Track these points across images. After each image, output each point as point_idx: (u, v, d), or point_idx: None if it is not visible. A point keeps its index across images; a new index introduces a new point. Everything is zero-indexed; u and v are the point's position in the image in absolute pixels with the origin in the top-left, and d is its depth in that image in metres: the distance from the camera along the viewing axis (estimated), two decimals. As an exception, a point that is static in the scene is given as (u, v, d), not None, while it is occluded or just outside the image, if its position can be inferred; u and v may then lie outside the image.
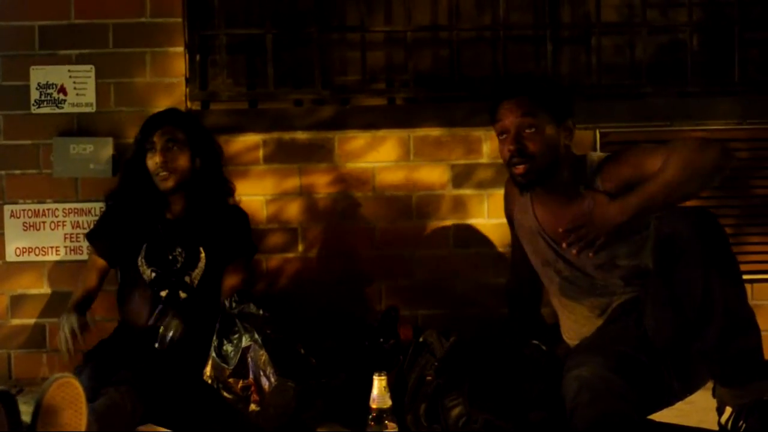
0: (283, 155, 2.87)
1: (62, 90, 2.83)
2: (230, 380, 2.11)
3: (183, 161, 2.40)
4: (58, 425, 1.69)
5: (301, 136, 2.88)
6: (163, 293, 2.37)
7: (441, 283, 2.89)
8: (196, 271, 2.40)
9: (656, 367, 1.89)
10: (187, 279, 2.39)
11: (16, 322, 2.85)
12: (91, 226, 2.57)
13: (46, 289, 2.84)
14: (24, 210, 2.83)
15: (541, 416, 1.98)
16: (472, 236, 2.88)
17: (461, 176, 2.88)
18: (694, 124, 2.88)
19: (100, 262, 2.46)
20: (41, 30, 2.83)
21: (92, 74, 2.83)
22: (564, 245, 1.97)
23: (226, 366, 2.11)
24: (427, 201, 2.89)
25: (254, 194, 2.86)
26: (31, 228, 2.83)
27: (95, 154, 2.80)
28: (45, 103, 2.83)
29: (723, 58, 2.98)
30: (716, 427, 1.90)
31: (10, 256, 2.83)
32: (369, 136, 2.88)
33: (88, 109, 2.83)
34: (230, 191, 2.57)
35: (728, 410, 1.86)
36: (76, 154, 2.80)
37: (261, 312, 2.21)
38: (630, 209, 1.88)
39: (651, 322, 1.90)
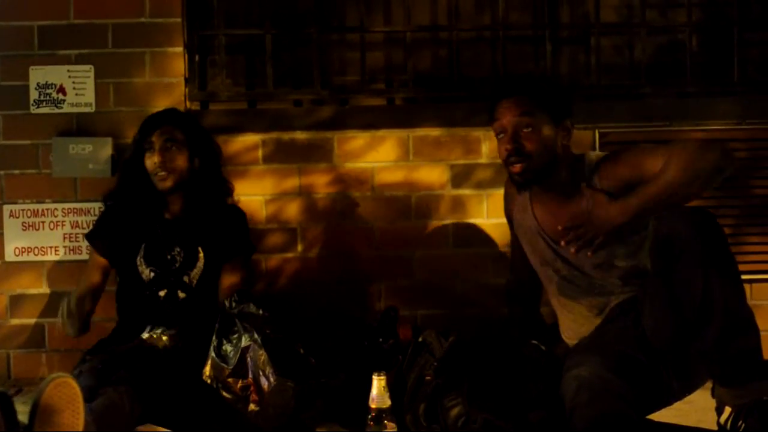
0: (282, 155, 2.87)
1: (61, 90, 2.83)
2: (229, 380, 2.10)
3: (181, 161, 2.40)
4: (55, 425, 1.69)
5: (300, 136, 2.88)
6: (162, 293, 2.37)
7: (440, 283, 2.89)
8: (195, 270, 2.40)
9: (655, 366, 1.89)
10: (185, 279, 2.39)
11: (15, 322, 2.85)
12: (91, 226, 2.57)
13: (45, 289, 2.84)
14: (23, 210, 2.83)
15: (540, 416, 1.98)
16: (471, 236, 2.88)
17: (460, 176, 2.88)
18: (694, 125, 2.88)
19: (102, 261, 2.46)
20: (40, 30, 2.83)
21: (91, 74, 2.83)
22: (563, 243, 1.98)
23: (226, 366, 2.11)
24: (426, 201, 2.89)
25: (253, 194, 2.86)
26: (31, 228, 2.83)
27: (94, 154, 2.80)
28: (44, 103, 2.83)
29: (722, 59, 2.98)
30: (715, 427, 1.90)
31: (10, 255, 2.83)
32: (368, 136, 2.88)
33: (87, 109, 2.83)
34: (229, 191, 2.57)
35: (727, 410, 1.86)
36: (75, 154, 2.80)
37: (260, 312, 2.21)
38: (631, 210, 1.88)
39: (650, 321, 1.90)
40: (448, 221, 2.89)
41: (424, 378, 2.16)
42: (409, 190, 2.89)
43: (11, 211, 2.84)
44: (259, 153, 2.87)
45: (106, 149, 2.80)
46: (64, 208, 2.83)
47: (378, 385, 1.77)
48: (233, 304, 2.23)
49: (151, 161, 2.38)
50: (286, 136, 2.88)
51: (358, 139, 2.88)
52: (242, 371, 2.11)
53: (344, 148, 2.88)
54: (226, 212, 2.51)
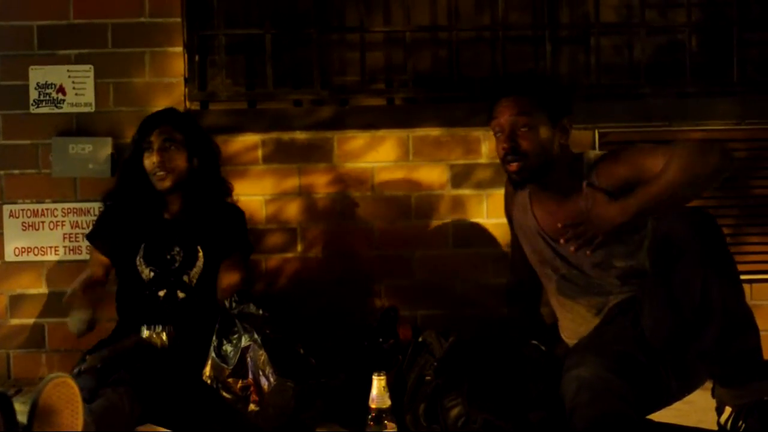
0: (282, 155, 2.87)
1: (61, 90, 2.83)
2: (229, 380, 2.11)
3: (180, 161, 2.40)
4: (54, 425, 1.69)
5: (300, 136, 2.88)
6: (161, 293, 2.37)
7: (440, 283, 2.89)
8: (195, 269, 2.40)
9: (654, 367, 1.89)
10: (185, 278, 2.39)
11: (15, 322, 2.85)
12: (90, 226, 2.57)
13: (45, 289, 2.84)
14: (23, 210, 2.83)
15: (540, 416, 1.98)
16: (471, 236, 2.88)
17: (460, 176, 2.88)
18: (693, 125, 2.88)
19: (103, 259, 2.46)
20: (40, 30, 2.83)
21: (91, 74, 2.83)
22: (562, 241, 1.98)
23: (226, 366, 2.11)
24: (426, 201, 2.89)
25: (253, 194, 2.86)
26: (30, 228, 2.83)
27: (94, 154, 2.80)
28: (44, 102, 2.83)
29: (722, 59, 2.98)
30: (715, 427, 1.91)
31: (9, 255, 2.83)
32: (368, 136, 2.88)
33: (87, 109, 2.83)
34: (228, 191, 2.57)
35: (728, 410, 1.87)
36: (75, 154, 2.80)
37: (260, 312, 2.21)
38: (631, 210, 1.88)
39: (649, 321, 1.91)
40: (447, 221, 2.89)
41: (424, 378, 2.16)
42: (409, 190, 2.89)
43: (11, 211, 2.84)
44: (259, 153, 2.87)
45: (105, 149, 2.80)
46: (63, 208, 2.83)
47: (378, 385, 1.77)
48: (233, 305, 2.23)
49: (150, 161, 2.38)
50: (286, 136, 2.88)
51: (358, 139, 2.88)
52: (242, 371, 2.11)
53: (344, 148, 2.88)
54: (224, 211, 2.51)
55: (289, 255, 2.88)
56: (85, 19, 2.83)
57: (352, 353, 2.40)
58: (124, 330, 2.37)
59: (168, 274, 2.39)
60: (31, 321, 2.84)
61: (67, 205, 2.83)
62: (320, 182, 2.88)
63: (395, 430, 1.78)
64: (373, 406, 1.77)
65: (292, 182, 2.88)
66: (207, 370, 2.13)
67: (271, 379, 2.09)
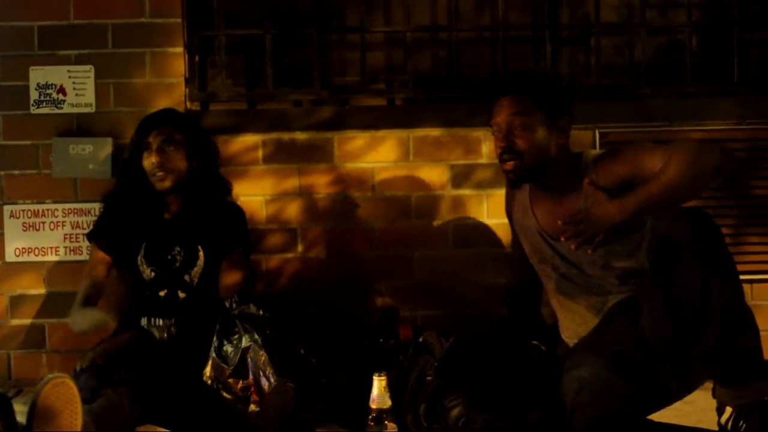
0: (282, 156, 2.87)
1: (61, 90, 2.83)
2: (230, 381, 2.11)
3: (179, 161, 2.40)
4: (53, 425, 1.69)
5: (300, 136, 2.88)
6: (162, 293, 2.37)
7: (440, 283, 2.88)
8: (195, 269, 2.40)
9: (654, 367, 1.89)
10: (186, 278, 2.39)
11: (15, 322, 2.85)
12: (91, 227, 2.56)
13: (45, 290, 2.84)
14: (23, 210, 2.83)
15: (540, 416, 1.98)
16: (471, 236, 2.88)
17: (460, 176, 2.88)
18: (694, 125, 2.88)
19: (105, 257, 2.45)
20: (40, 30, 2.83)
21: (91, 74, 2.83)
22: (563, 239, 1.98)
23: (226, 366, 2.11)
24: (426, 201, 2.89)
25: (253, 194, 2.86)
26: (31, 228, 2.83)
27: (94, 155, 2.80)
28: (44, 103, 2.83)
29: (722, 59, 2.98)
30: (716, 427, 1.91)
31: (10, 256, 2.83)
32: (368, 136, 2.88)
33: (87, 110, 2.83)
34: (227, 190, 2.57)
35: (728, 410, 1.87)
36: (75, 155, 2.80)
37: (261, 312, 2.21)
38: (630, 209, 1.88)
39: (648, 322, 1.90)
40: (448, 222, 2.89)
41: (425, 378, 2.16)
42: (409, 191, 2.89)
43: (11, 211, 2.84)
44: (259, 153, 2.87)
45: (106, 149, 2.80)
46: (64, 209, 2.83)
47: (378, 385, 1.77)
48: (234, 305, 2.23)
49: (149, 162, 2.38)
50: (286, 136, 2.88)
51: (358, 140, 2.88)
52: (243, 372, 2.11)
53: (344, 149, 2.88)
54: (224, 209, 2.51)
55: (290, 255, 2.88)
56: (86, 20, 2.83)
57: (352, 353, 2.40)
58: (124, 330, 2.37)
59: (169, 273, 2.39)
60: (31, 321, 2.84)
61: (67, 206, 2.83)
62: (320, 182, 2.88)
63: (396, 430, 1.78)
64: (373, 406, 1.77)
65: (292, 182, 2.88)
66: (207, 370, 2.13)
67: (272, 380, 2.09)
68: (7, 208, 2.84)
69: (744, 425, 1.83)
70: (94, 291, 2.40)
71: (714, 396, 1.92)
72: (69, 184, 2.84)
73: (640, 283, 1.99)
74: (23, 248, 2.83)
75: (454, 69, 2.93)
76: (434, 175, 2.88)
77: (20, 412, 1.69)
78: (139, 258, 2.40)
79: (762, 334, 1.84)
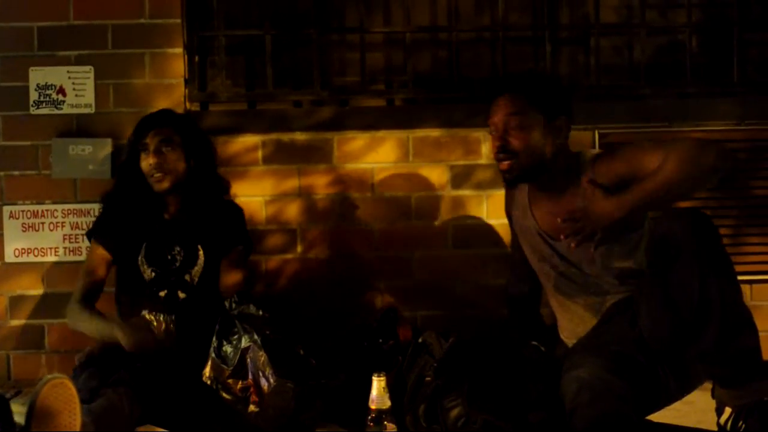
0: (282, 156, 2.87)
1: (61, 91, 2.83)
2: (229, 381, 2.10)
3: (176, 162, 2.39)
4: (52, 426, 1.69)
5: (300, 137, 2.88)
6: (162, 293, 2.37)
7: (440, 283, 2.88)
8: (196, 268, 2.40)
9: (653, 367, 1.89)
10: (187, 277, 2.39)
11: (15, 323, 2.85)
12: (90, 227, 2.55)
13: (44, 290, 2.84)
14: (23, 211, 2.83)
15: (540, 417, 1.98)
16: (471, 237, 2.88)
17: (460, 177, 2.88)
18: (693, 125, 2.88)
19: (106, 255, 2.44)
20: (40, 31, 2.83)
21: (91, 75, 2.83)
22: (562, 237, 1.98)
23: (226, 367, 2.11)
24: (426, 202, 2.89)
25: (253, 195, 2.86)
26: (30, 229, 2.83)
27: (94, 155, 2.80)
28: (44, 104, 2.83)
29: (722, 59, 2.98)
30: (715, 428, 1.90)
31: (9, 257, 2.83)
32: (368, 137, 2.88)
33: (87, 110, 2.83)
34: (225, 189, 2.57)
35: (727, 411, 1.87)
36: (75, 155, 2.80)
37: (260, 313, 2.21)
38: (627, 205, 1.88)
39: (646, 322, 1.90)
40: (447, 222, 2.89)
41: (424, 379, 2.16)
42: (409, 191, 2.89)
43: (11, 212, 2.84)
44: (259, 154, 2.87)
45: (105, 150, 2.80)
46: (63, 209, 2.83)
47: (378, 386, 1.77)
48: (233, 305, 2.23)
49: (146, 163, 2.38)
50: (286, 137, 2.88)
51: (357, 140, 2.88)
52: (242, 372, 2.11)
53: (344, 149, 2.88)
54: (223, 208, 2.51)
55: (289, 256, 2.88)
56: (85, 20, 2.83)
57: (352, 354, 2.40)
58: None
59: (169, 274, 2.39)
60: (31, 322, 2.84)
61: (67, 206, 2.83)
62: (320, 183, 2.88)
63: (395, 430, 1.78)
64: (372, 406, 1.77)
65: (292, 183, 2.88)
66: (207, 370, 2.13)
67: (271, 380, 2.09)
68: (6, 209, 2.84)
69: (743, 425, 1.83)
70: (93, 288, 2.40)
71: (713, 396, 1.92)
72: (68, 185, 2.84)
73: (638, 284, 1.99)
74: (23, 249, 2.83)
75: (454, 69, 2.93)
76: (434, 175, 2.88)
77: (19, 412, 1.69)
78: (139, 258, 2.40)
79: (762, 334, 1.84)
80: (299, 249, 2.88)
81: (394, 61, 3.03)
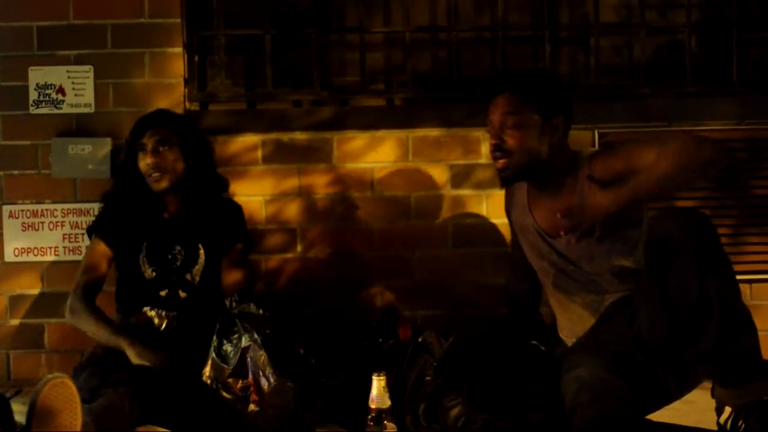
0: (281, 156, 2.87)
1: (61, 90, 2.83)
2: (229, 380, 2.11)
3: (174, 162, 2.39)
4: (53, 426, 1.68)
5: (299, 136, 2.88)
6: (163, 293, 2.37)
7: (440, 283, 2.88)
8: (197, 267, 2.40)
9: (652, 366, 1.89)
10: (188, 276, 2.39)
11: (14, 322, 2.85)
12: (91, 224, 2.54)
13: (44, 290, 2.84)
14: (23, 210, 2.83)
15: (540, 416, 1.98)
16: (471, 236, 2.88)
17: (460, 176, 2.88)
18: (693, 125, 2.88)
19: (108, 252, 2.44)
20: (39, 30, 2.83)
21: (91, 75, 2.83)
22: (562, 233, 1.98)
23: (226, 366, 2.11)
24: (426, 201, 2.89)
25: (253, 195, 2.86)
26: (30, 228, 2.83)
27: (94, 155, 2.80)
28: (43, 103, 2.83)
29: (721, 59, 2.99)
30: (715, 427, 1.90)
31: (9, 256, 2.83)
32: (368, 136, 2.88)
33: (86, 110, 2.83)
34: (224, 187, 2.57)
35: (727, 410, 1.87)
36: (74, 155, 2.80)
37: (261, 312, 2.21)
38: (622, 197, 1.90)
39: (645, 321, 1.91)
40: (447, 221, 2.89)
41: (424, 378, 2.16)
42: (408, 191, 2.89)
43: (11, 211, 2.83)
44: (259, 153, 2.87)
45: (105, 150, 2.80)
46: (63, 209, 2.83)
47: (378, 385, 1.77)
48: (233, 304, 2.23)
49: (144, 163, 2.38)
50: (286, 136, 2.88)
51: (357, 140, 2.88)
52: (242, 371, 2.11)
53: (344, 149, 2.88)
54: (222, 206, 2.52)
55: (289, 255, 2.88)
56: (85, 20, 2.83)
57: (352, 353, 2.40)
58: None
59: (169, 273, 2.39)
60: (31, 321, 2.84)
61: (66, 206, 2.83)
62: (320, 183, 2.88)
63: (395, 430, 1.78)
64: (372, 406, 1.77)
65: (291, 183, 2.88)
66: (207, 370, 2.13)
67: (271, 380, 2.09)
68: (6, 208, 2.83)
69: (743, 425, 1.83)
70: (94, 284, 2.40)
71: (713, 396, 1.92)
72: (68, 184, 2.83)
73: (636, 283, 1.99)
74: (22, 248, 2.83)
75: (454, 69, 2.93)
76: (434, 175, 2.88)
77: (19, 412, 1.69)
78: (141, 258, 2.40)
79: (761, 334, 1.84)
80: (299, 248, 2.88)
81: (393, 61, 3.03)
